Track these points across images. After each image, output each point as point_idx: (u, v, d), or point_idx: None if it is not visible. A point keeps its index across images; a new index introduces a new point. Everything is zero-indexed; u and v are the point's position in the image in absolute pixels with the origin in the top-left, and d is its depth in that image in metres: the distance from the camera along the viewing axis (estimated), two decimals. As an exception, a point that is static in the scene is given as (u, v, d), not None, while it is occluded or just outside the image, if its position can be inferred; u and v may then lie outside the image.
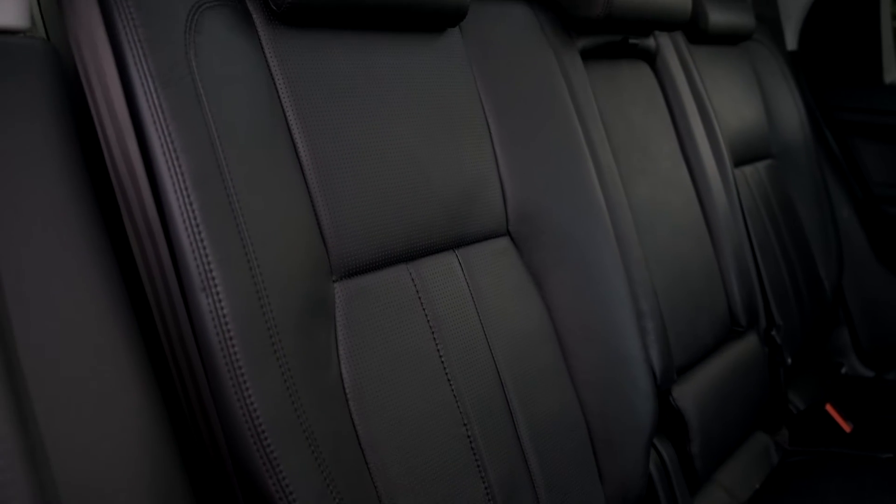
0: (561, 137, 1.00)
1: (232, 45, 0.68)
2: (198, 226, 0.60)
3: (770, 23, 1.89)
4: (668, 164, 1.27)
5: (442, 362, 0.79)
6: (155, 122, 0.60)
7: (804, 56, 1.95)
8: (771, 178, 1.67)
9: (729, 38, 1.60)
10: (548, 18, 1.08)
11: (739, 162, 1.56)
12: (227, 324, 0.60)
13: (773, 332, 1.42)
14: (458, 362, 0.81)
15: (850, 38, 1.91)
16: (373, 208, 0.76)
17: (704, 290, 1.26)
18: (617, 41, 1.22)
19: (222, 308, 0.60)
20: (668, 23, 1.25)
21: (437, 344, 0.79)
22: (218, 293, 0.60)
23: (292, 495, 0.61)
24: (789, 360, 1.45)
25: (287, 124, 0.71)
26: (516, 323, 0.89)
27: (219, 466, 0.64)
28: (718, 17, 1.49)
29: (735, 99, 1.58)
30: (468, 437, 0.79)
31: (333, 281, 0.73)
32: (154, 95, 0.60)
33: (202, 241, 0.60)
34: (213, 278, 0.60)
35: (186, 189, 0.60)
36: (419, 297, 0.80)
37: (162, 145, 0.60)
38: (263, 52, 0.71)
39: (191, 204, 0.60)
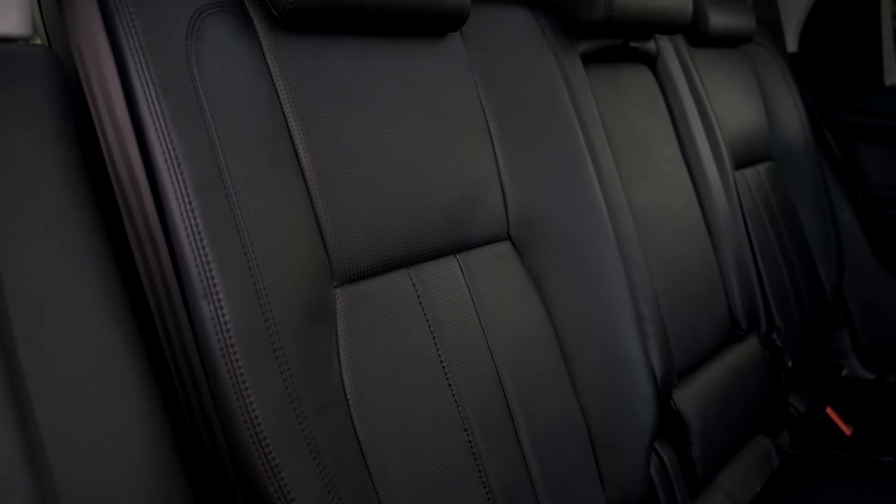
0: (562, 141, 1.00)
1: (233, 51, 0.68)
2: (199, 232, 0.60)
3: (770, 25, 1.89)
4: (668, 168, 1.27)
5: (443, 367, 0.79)
6: (156, 129, 0.60)
7: (805, 58, 1.95)
8: (771, 180, 1.67)
9: (729, 41, 1.60)
10: (548, 22, 1.08)
11: (740, 164, 1.56)
12: (228, 330, 0.60)
13: (774, 336, 1.42)
14: (458, 367, 0.81)
15: (851, 41, 1.91)
16: (374, 214, 0.76)
17: (705, 293, 1.26)
18: (617, 45, 1.22)
19: (224, 315, 0.60)
20: (668, 26, 1.25)
21: (438, 349, 0.79)
22: (219, 300, 0.60)
23: (294, 502, 0.61)
24: (790, 363, 1.45)
25: (288, 130, 0.71)
26: (517, 327, 0.89)
27: (220, 472, 0.64)
28: (719, 20, 1.49)
29: (736, 101, 1.58)
30: (469, 441, 0.79)
31: (335, 286, 0.73)
32: (155, 102, 0.60)
33: (204, 247, 0.60)
34: (215, 285, 0.60)
35: (188, 196, 0.60)
36: (420, 302, 0.80)
37: (163, 152, 0.60)
38: (265, 58, 0.71)
39: (192, 210, 0.60)
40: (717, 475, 1.20)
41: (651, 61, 1.33)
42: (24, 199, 0.55)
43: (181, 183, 0.60)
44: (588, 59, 1.16)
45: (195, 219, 0.60)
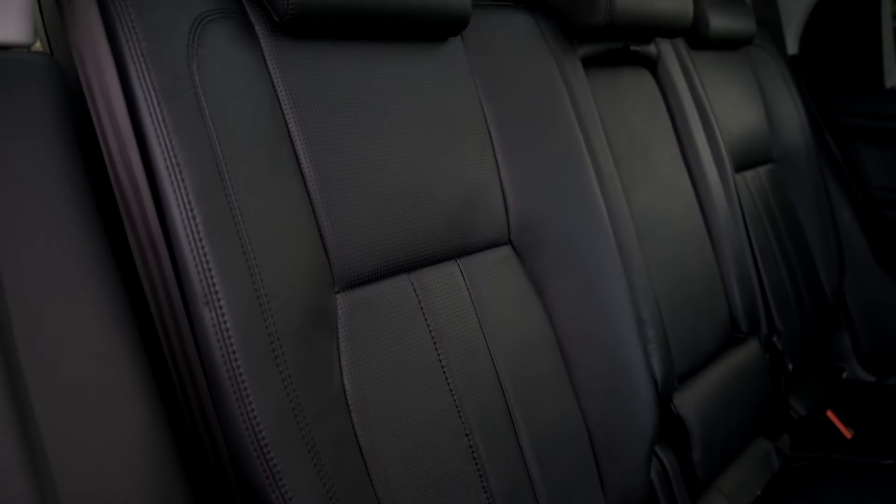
0: (562, 145, 1.00)
1: (234, 58, 0.68)
2: (201, 239, 0.60)
3: (771, 27, 1.89)
4: (669, 171, 1.27)
5: (444, 372, 0.79)
6: (158, 136, 0.60)
7: (805, 60, 1.95)
8: (772, 182, 1.67)
9: (730, 43, 1.60)
10: (549, 26, 1.08)
11: (740, 167, 1.56)
12: (229, 337, 0.60)
13: (775, 339, 1.42)
14: (459, 372, 0.81)
15: (851, 43, 1.91)
16: (375, 219, 0.76)
17: (705, 296, 1.26)
18: (618, 48, 1.22)
19: (225, 321, 0.60)
20: (669, 30, 1.25)
21: (438, 354, 0.79)
22: (221, 306, 0.60)
23: None
24: (790, 366, 1.45)
25: (289, 135, 0.71)
26: (518, 332, 0.89)
27: (221, 478, 0.64)
28: (719, 23, 1.50)
29: (736, 104, 1.58)
30: (470, 446, 0.79)
31: (336, 292, 0.73)
32: (157, 109, 0.60)
33: (205, 253, 0.60)
34: (216, 291, 0.60)
35: (189, 202, 0.60)
36: (421, 308, 0.80)
37: (165, 159, 0.60)
38: (266, 64, 0.71)
39: (194, 217, 0.60)
40: (718, 478, 1.20)
41: (651, 64, 1.33)
42: (25, 204, 0.56)
43: (182, 189, 0.60)
44: (589, 63, 1.16)
45: (196, 225, 0.60)
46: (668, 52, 1.37)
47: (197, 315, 0.60)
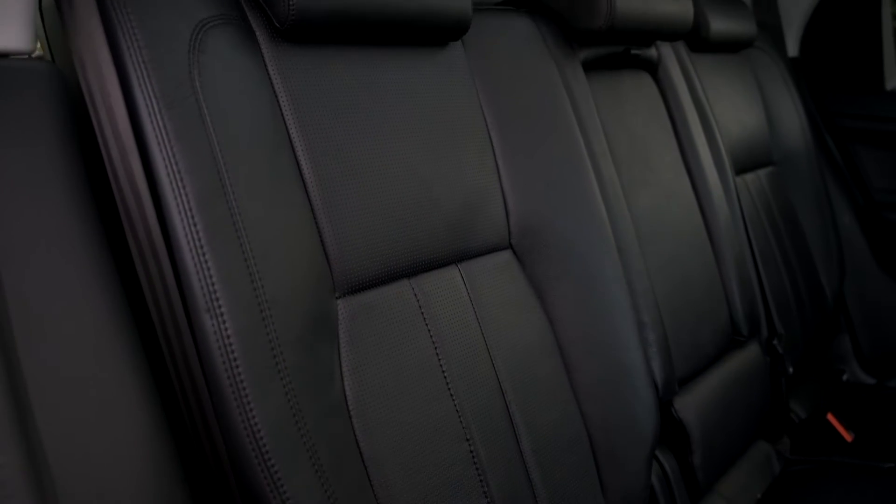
0: (563, 149, 1.00)
1: (235, 64, 0.68)
2: (202, 247, 0.60)
3: (771, 29, 1.89)
4: (669, 175, 1.27)
5: (445, 377, 0.79)
6: (159, 143, 0.60)
7: (805, 62, 1.95)
8: (772, 185, 1.67)
9: (730, 46, 1.60)
10: (550, 30, 1.08)
11: (741, 170, 1.56)
12: (230, 344, 0.60)
13: (775, 342, 1.42)
14: (460, 377, 0.81)
15: (852, 45, 1.91)
16: (376, 224, 0.76)
17: (706, 299, 1.26)
18: (619, 52, 1.22)
19: (226, 328, 0.60)
20: (669, 33, 1.25)
21: (439, 359, 0.79)
22: (222, 314, 0.60)
23: None
24: (791, 369, 1.45)
25: (290, 141, 0.71)
26: (518, 336, 0.90)
27: (222, 484, 0.64)
28: (720, 26, 1.50)
29: (736, 106, 1.58)
30: (471, 451, 0.79)
31: (336, 297, 0.73)
32: (158, 116, 0.60)
33: (206, 261, 0.60)
34: (217, 299, 0.60)
35: (190, 210, 0.60)
36: (422, 313, 0.80)
37: (166, 166, 0.60)
38: (267, 70, 0.71)
39: (195, 225, 0.60)
40: (718, 482, 1.20)
41: (652, 68, 1.33)
42: (26, 211, 0.56)
43: (184, 197, 0.60)
44: (589, 67, 1.16)
45: (198, 233, 0.60)
46: (668, 55, 1.37)
47: (198, 322, 0.60)
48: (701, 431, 1.12)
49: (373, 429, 0.71)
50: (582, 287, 0.97)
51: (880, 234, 1.88)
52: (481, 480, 0.79)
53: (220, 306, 0.60)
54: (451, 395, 0.79)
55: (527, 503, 0.84)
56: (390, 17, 0.79)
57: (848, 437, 1.41)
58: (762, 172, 1.65)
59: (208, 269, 0.60)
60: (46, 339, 0.54)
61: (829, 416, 1.45)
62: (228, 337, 0.60)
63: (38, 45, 0.67)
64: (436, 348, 0.80)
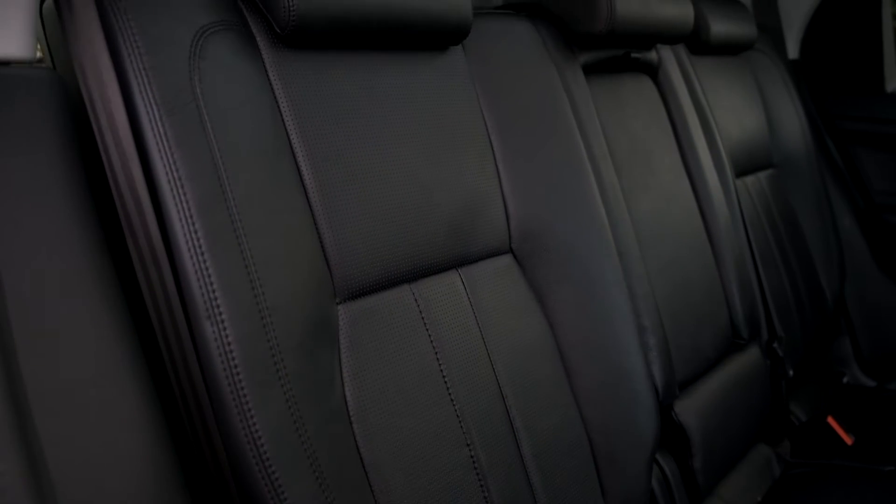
0: (563, 153, 1.00)
1: (236, 70, 0.68)
2: (202, 253, 0.60)
3: (771, 31, 1.89)
4: (669, 178, 1.27)
5: (445, 382, 0.79)
6: (160, 150, 0.60)
7: (806, 65, 1.95)
8: (772, 187, 1.67)
9: (731, 49, 1.60)
10: (550, 34, 1.08)
11: (741, 172, 1.56)
12: (231, 351, 0.60)
13: (775, 345, 1.42)
14: (460, 382, 0.81)
15: (852, 47, 1.91)
16: (376, 230, 0.76)
17: (706, 302, 1.26)
18: (619, 55, 1.22)
19: (227, 335, 0.60)
20: (670, 36, 1.25)
21: (440, 364, 0.79)
22: (222, 321, 0.60)
23: None
24: (791, 372, 1.45)
25: (291, 147, 0.71)
26: (519, 341, 0.90)
27: (223, 491, 0.64)
28: (720, 28, 1.50)
29: (737, 109, 1.58)
30: (471, 457, 0.79)
31: (337, 303, 0.73)
32: (159, 123, 0.60)
33: (207, 268, 0.60)
34: (218, 306, 0.60)
35: (191, 216, 0.60)
36: (422, 318, 0.80)
37: (167, 173, 0.60)
38: (267, 75, 0.71)
39: (195, 231, 0.60)
40: (719, 485, 1.20)
41: (652, 71, 1.33)
42: (27, 219, 0.56)
43: (184, 203, 0.60)
44: (589, 70, 1.16)
45: (198, 239, 0.60)
46: (668, 58, 1.37)
47: (199, 329, 0.60)
48: (701, 435, 1.12)
49: (373, 434, 0.71)
50: (582, 291, 0.97)
51: (881, 236, 1.88)
52: (482, 485, 0.79)
53: (220, 313, 0.60)
54: (452, 400, 0.79)
55: (527, 508, 0.84)
56: (391, 23, 0.79)
57: (848, 440, 1.41)
58: (762, 175, 1.65)
59: (209, 275, 0.60)
60: (47, 346, 0.54)
61: (830, 420, 1.45)
62: (229, 344, 0.60)
63: (39, 51, 0.67)
64: (436, 353, 0.80)
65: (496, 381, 0.85)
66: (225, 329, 0.60)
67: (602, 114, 1.15)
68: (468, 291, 0.86)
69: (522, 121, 0.97)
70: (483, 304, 0.87)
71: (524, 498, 0.84)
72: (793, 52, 1.95)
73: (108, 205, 0.62)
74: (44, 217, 0.57)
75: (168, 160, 0.60)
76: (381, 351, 0.75)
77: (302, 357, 0.66)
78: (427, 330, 0.80)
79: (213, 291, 0.60)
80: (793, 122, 1.78)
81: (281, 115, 0.71)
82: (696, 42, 1.47)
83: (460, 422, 0.79)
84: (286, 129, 0.71)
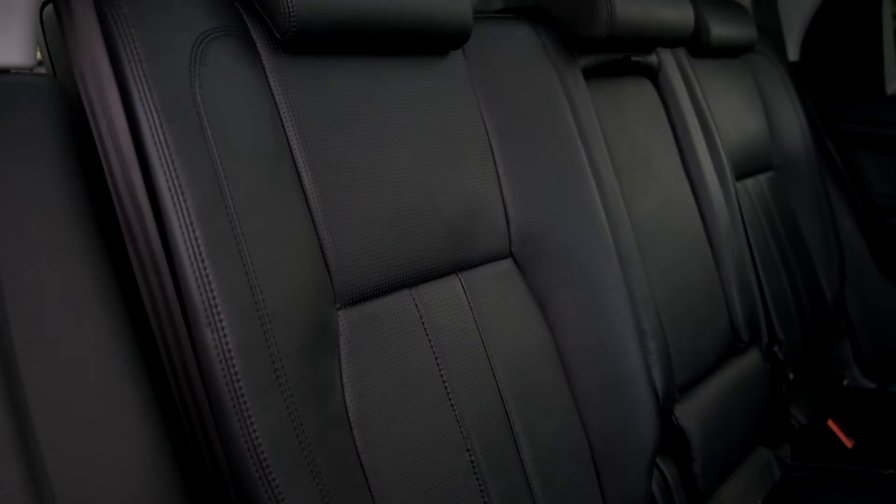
0: (563, 157, 1.00)
1: (236, 76, 0.68)
2: (203, 260, 0.60)
3: (772, 34, 1.89)
4: (670, 181, 1.27)
5: (445, 388, 0.79)
6: (160, 157, 0.60)
7: (806, 67, 1.95)
8: (772, 190, 1.67)
9: (731, 51, 1.60)
10: (550, 38, 1.08)
11: (741, 175, 1.56)
12: (231, 358, 0.60)
13: (776, 348, 1.42)
14: (461, 387, 0.81)
15: (853, 49, 1.91)
16: (376, 235, 0.76)
17: (706, 306, 1.26)
18: (619, 59, 1.22)
19: (227, 342, 0.60)
20: (670, 40, 1.25)
21: (440, 370, 0.79)
22: (223, 328, 0.60)
23: None
24: (791, 375, 1.45)
25: (291, 153, 0.71)
26: (519, 345, 0.90)
27: (223, 499, 0.64)
28: (721, 31, 1.50)
29: (737, 112, 1.58)
30: (471, 462, 0.79)
31: (337, 308, 0.73)
32: (159, 130, 0.60)
33: (207, 275, 0.60)
34: (219, 313, 0.60)
35: (191, 223, 0.60)
36: (422, 323, 0.80)
37: (167, 180, 0.60)
38: (268, 81, 0.71)
39: (196, 238, 0.60)
40: (719, 489, 1.20)
41: (653, 74, 1.33)
42: (28, 226, 0.56)
43: (184, 210, 0.60)
44: (590, 74, 1.16)
45: (198, 246, 0.60)
46: (668, 61, 1.37)
47: (199, 336, 0.60)
48: (701, 439, 1.12)
49: (373, 440, 0.71)
50: (582, 295, 0.97)
51: (881, 238, 1.88)
52: (482, 490, 0.79)
53: (220, 320, 0.60)
54: (452, 405, 0.79)
55: (527, 513, 0.84)
56: (391, 27, 0.79)
57: (848, 443, 1.41)
58: (762, 177, 1.65)
59: (209, 282, 0.60)
60: (47, 353, 0.54)
61: (830, 423, 1.45)
62: (229, 351, 0.60)
63: (39, 57, 0.67)
64: (436, 358, 0.80)
65: (496, 386, 0.85)
66: (225, 336, 0.60)
67: (602, 117, 1.15)
68: (468, 296, 0.86)
69: (523, 125, 0.97)
70: (483, 309, 0.87)
71: (524, 503, 0.84)
72: (793, 54, 1.95)
73: (108, 211, 0.62)
74: (44, 224, 0.57)
75: (168, 167, 0.60)
76: (382, 356, 0.75)
77: (302, 363, 0.66)
78: (427, 335, 0.80)
79: (214, 298, 0.60)
80: (793, 125, 1.78)
81: (281, 121, 0.71)
82: (697, 45, 1.47)
83: (460, 427, 0.79)
84: (286, 135, 0.71)
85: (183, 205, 0.60)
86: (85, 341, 0.57)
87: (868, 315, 1.87)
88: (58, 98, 0.59)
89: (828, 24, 1.90)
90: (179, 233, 0.60)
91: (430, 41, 0.85)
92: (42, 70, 0.68)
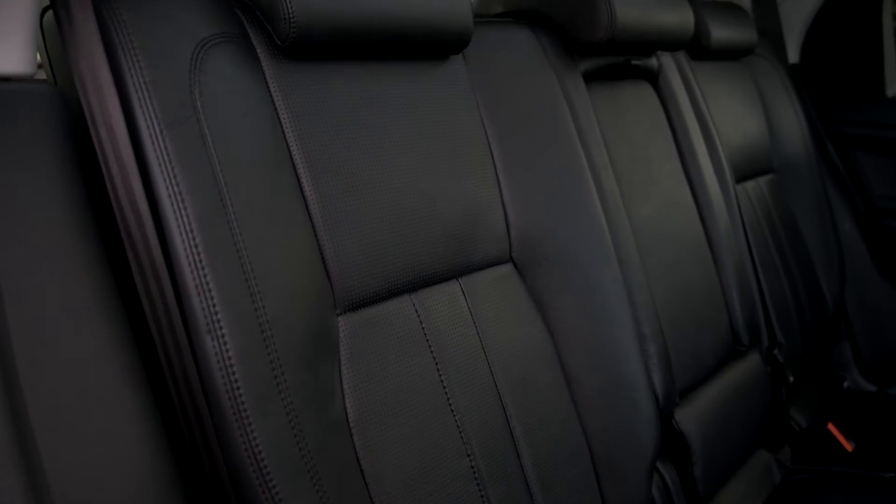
0: (564, 161, 1.00)
1: (237, 82, 0.68)
2: (203, 268, 0.60)
3: (772, 36, 1.89)
4: (670, 184, 1.27)
5: (445, 393, 0.79)
6: (160, 164, 0.60)
7: (806, 69, 1.95)
8: (772, 192, 1.67)
9: (731, 54, 1.60)
10: (550, 42, 1.08)
11: (741, 177, 1.56)
12: (231, 365, 0.60)
13: (776, 352, 1.42)
14: (461, 392, 0.81)
15: (853, 51, 1.91)
16: (376, 241, 0.76)
17: (706, 309, 1.26)
18: (619, 62, 1.22)
19: (227, 350, 0.60)
20: (670, 43, 1.25)
21: (440, 374, 0.79)
22: (223, 335, 0.60)
23: None
24: (791, 378, 1.45)
25: (291, 159, 0.71)
26: (519, 350, 0.90)
27: (223, 504, 0.64)
28: (721, 34, 1.50)
29: (737, 114, 1.58)
30: (472, 467, 0.79)
31: (337, 314, 0.73)
32: (159, 137, 0.60)
33: (207, 282, 0.60)
34: (219, 320, 0.60)
35: (191, 230, 0.60)
36: (423, 328, 0.80)
37: (167, 187, 0.60)
38: (268, 87, 0.71)
39: (196, 245, 0.60)
40: (719, 492, 1.20)
41: (653, 77, 1.33)
42: (28, 234, 0.56)
43: (184, 218, 0.60)
44: (590, 78, 1.16)
45: (198, 253, 0.60)
46: (669, 64, 1.37)
47: (199, 343, 0.60)
48: (702, 443, 1.12)
49: (374, 445, 0.72)
50: (582, 299, 0.97)
51: (881, 241, 1.88)
52: (482, 496, 0.79)
53: (220, 327, 0.60)
54: (452, 410, 0.79)
55: (527, 518, 0.84)
56: (391, 33, 0.79)
57: (849, 446, 1.41)
58: (762, 180, 1.65)
59: (209, 289, 0.60)
60: (47, 360, 0.54)
61: (830, 426, 1.45)
62: (229, 358, 0.60)
63: (40, 67, 0.67)
64: (436, 364, 0.80)
65: (496, 391, 0.85)
66: (225, 343, 0.60)
67: (602, 121, 1.15)
68: (468, 301, 0.86)
69: (523, 129, 0.97)
70: (483, 314, 0.87)
71: (524, 508, 0.84)
72: (793, 56, 1.95)
73: (108, 219, 0.62)
74: (44, 231, 0.57)
75: (168, 174, 0.60)
76: (382, 362, 0.75)
77: (302, 369, 0.66)
78: (427, 340, 0.80)
79: (214, 305, 0.60)
80: (793, 127, 1.78)
81: (281, 127, 0.71)
82: (697, 47, 1.47)
83: (460, 432, 0.79)
84: (286, 141, 0.71)
85: (183, 211, 0.60)
86: (85, 348, 0.57)
87: (868, 317, 1.87)
88: (58, 106, 0.59)
89: (828, 27, 1.90)
90: (179, 240, 0.60)
91: (430, 46, 0.85)
92: (42, 76, 0.68)
